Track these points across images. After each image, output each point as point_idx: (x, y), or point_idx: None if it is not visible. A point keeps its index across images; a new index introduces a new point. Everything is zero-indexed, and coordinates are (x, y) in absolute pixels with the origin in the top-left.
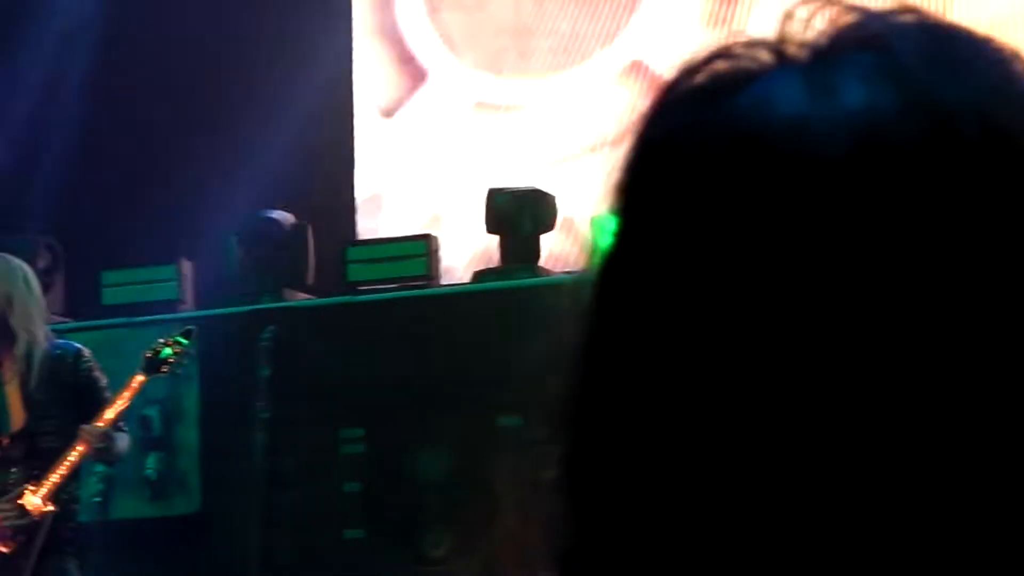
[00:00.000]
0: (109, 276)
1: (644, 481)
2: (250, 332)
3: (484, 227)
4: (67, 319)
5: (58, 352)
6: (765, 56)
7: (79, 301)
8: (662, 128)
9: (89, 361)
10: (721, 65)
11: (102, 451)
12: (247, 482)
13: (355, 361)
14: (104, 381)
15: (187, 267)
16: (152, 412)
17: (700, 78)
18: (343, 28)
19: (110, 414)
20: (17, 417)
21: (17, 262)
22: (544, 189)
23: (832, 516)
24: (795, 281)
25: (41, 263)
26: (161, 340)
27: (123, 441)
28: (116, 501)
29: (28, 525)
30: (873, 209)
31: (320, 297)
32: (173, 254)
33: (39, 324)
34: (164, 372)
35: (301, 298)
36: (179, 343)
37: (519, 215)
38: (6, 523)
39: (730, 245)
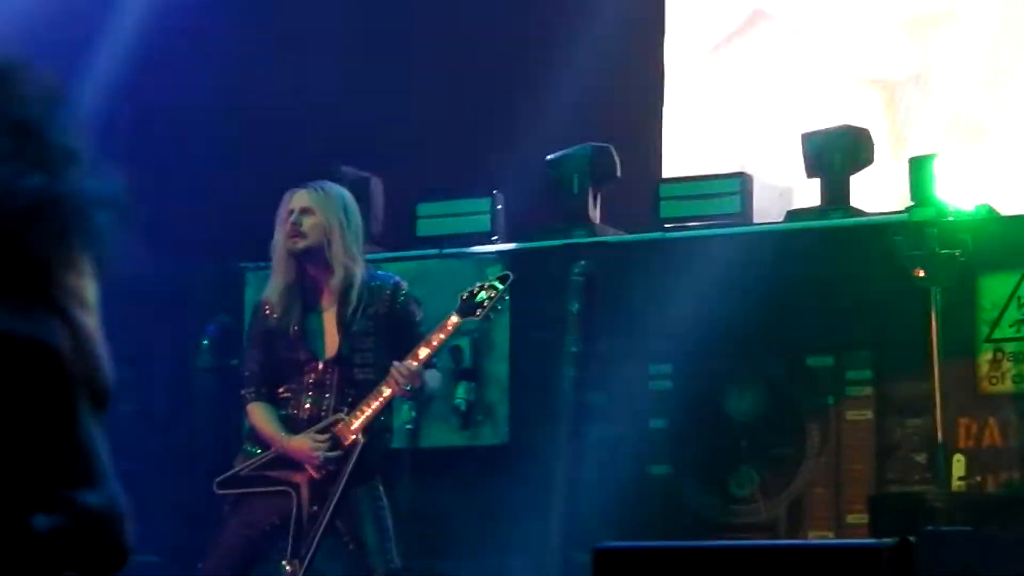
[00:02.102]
0: (424, 208)
1: None
2: (561, 266)
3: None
4: (381, 249)
5: (376, 283)
6: None
7: (393, 232)
8: None
9: (406, 293)
10: None
11: (411, 391)
12: (555, 415)
13: (665, 298)
14: (420, 316)
15: (500, 199)
16: (463, 343)
17: None
18: None
19: (423, 353)
20: (332, 344)
21: (338, 190)
22: (858, 126)
23: None
24: None
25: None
26: (478, 284)
27: (434, 380)
28: (426, 429)
29: (340, 456)
30: None
31: (631, 233)
32: (487, 186)
33: (358, 254)
34: (478, 316)
35: (613, 233)
36: (494, 288)
37: (832, 155)
38: (318, 453)
39: None
